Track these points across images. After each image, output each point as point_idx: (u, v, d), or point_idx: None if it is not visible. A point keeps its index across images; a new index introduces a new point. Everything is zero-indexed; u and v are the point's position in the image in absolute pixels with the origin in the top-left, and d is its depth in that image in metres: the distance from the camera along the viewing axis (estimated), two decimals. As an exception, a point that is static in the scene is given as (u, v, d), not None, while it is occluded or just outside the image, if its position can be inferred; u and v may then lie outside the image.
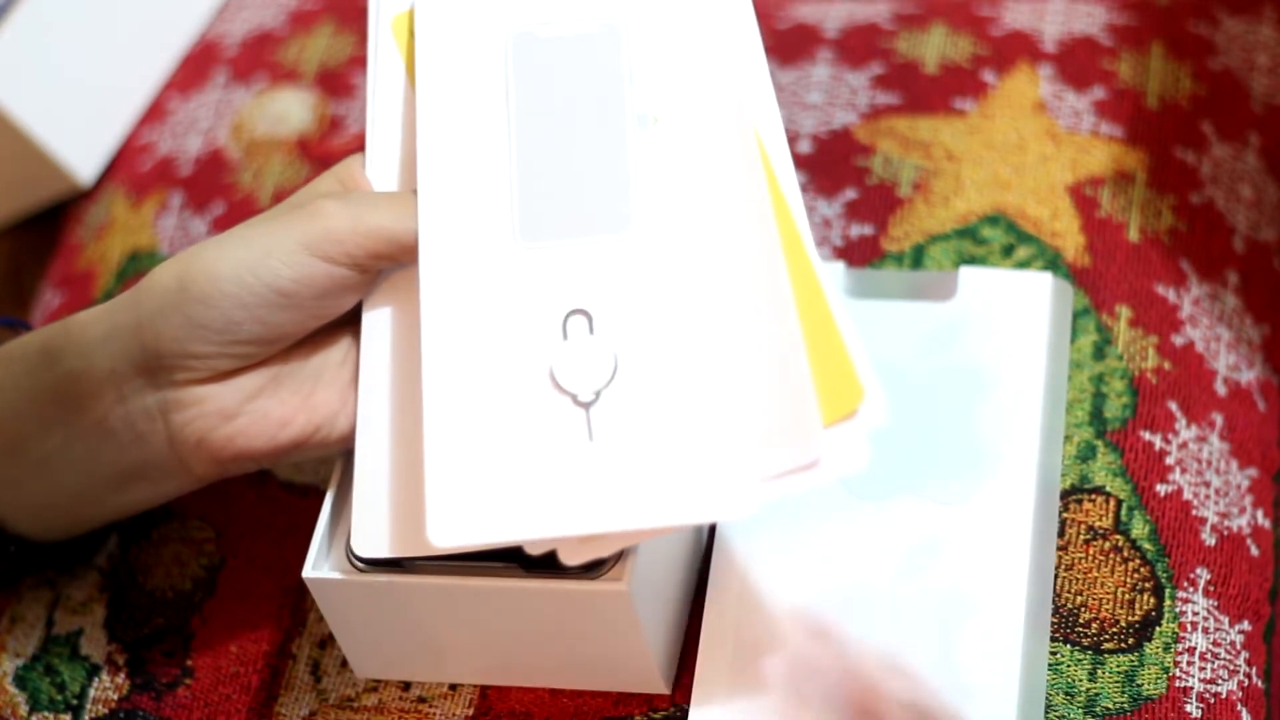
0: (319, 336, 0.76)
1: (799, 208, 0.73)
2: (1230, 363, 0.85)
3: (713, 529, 0.79)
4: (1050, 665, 0.76)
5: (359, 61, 0.99)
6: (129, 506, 0.78)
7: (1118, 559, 0.79)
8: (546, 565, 0.72)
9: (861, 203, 0.89)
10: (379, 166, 0.77)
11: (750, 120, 0.74)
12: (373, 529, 0.73)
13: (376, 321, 0.75)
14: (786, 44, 0.95)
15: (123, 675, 0.82)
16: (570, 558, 0.70)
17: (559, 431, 0.70)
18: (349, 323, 0.76)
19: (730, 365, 0.70)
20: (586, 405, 0.71)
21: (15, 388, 0.76)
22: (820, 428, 0.69)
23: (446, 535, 0.70)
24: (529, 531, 0.70)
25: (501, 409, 0.71)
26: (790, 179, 0.73)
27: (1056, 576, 0.78)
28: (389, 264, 0.74)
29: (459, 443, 0.71)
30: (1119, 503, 0.80)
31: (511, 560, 0.73)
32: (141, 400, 0.74)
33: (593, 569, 0.72)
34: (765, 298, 0.71)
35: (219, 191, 0.96)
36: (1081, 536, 0.79)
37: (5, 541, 0.79)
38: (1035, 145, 0.90)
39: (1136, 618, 0.78)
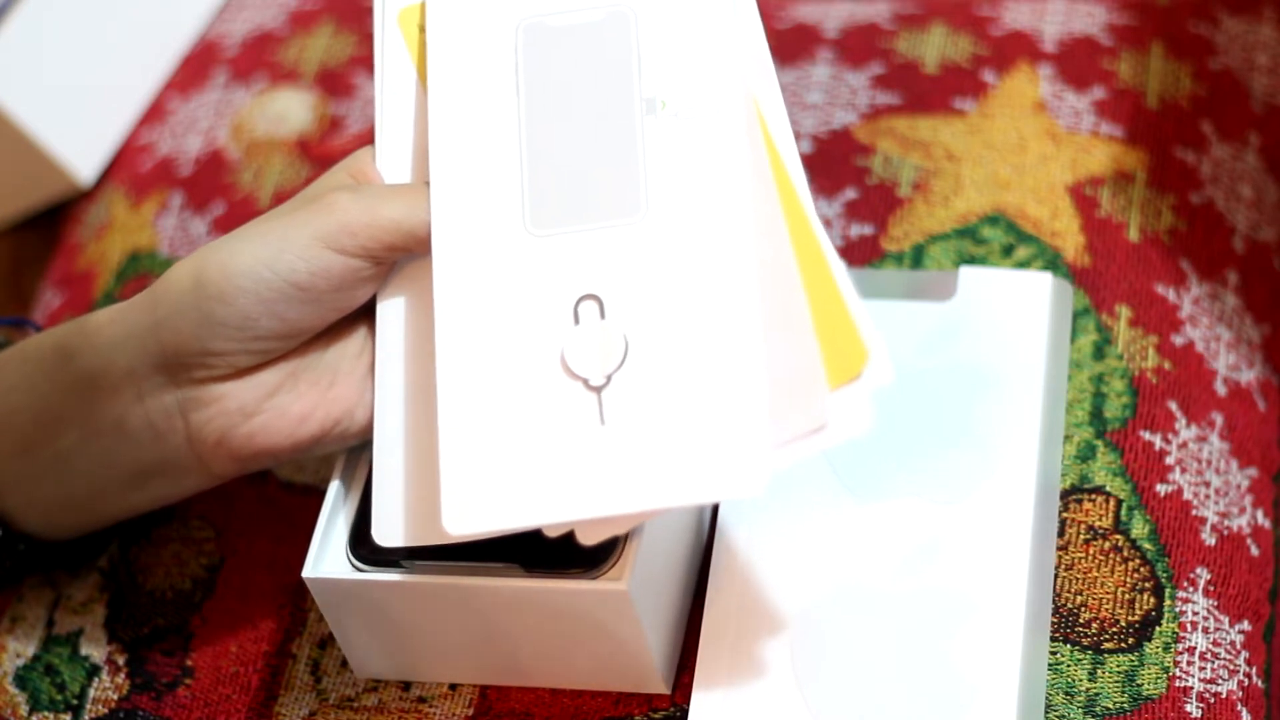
0: (335, 329, 0.76)
1: (800, 177, 0.73)
2: (1230, 362, 0.85)
3: (713, 528, 0.79)
4: (1050, 665, 0.76)
5: (359, 61, 0.99)
6: (143, 504, 0.78)
7: (1118, 559, 0.79)
8: (547, 565, 0.73)
9: (861, 203, 0.89)
10: (389, 159, 0.77)
11: (752, 95, 0.74)
12: (392, 519, 0.73)
13: (390, 312, 0.76)
14: (786, 44, 0.95)
15: (123, 675, 0.82)
16: (587, 538, 0.71)
17: (571, 417, 0.71)
18: (363, 314, 0.76)
19: (739, 342, 0.71)
20: (598, 389, 0.71)
21: (31, 388, 0.76)
22: (826, 391, 0.70)
23: (462, 524, 0.70)
24: (544, 517, 0.70)
25: (514, 397, 0.71)
26: (791, 148, 0.74)
27: (1056, 576, 0.78)
28: (403, 255, 0.75)
29: (473, 433, 0.71)
30: (1119, 503, 0.80)
31: (511, 560, 0.73)
32: (160, 399, 0.74)
33: (593, 568, 0.73)
34: (770, 269, 0.71)
35: (219, 191, 0.96)
36: (1081, 536, 0.79)
37: (14, 539, 0.79)
38: (1035, 145, 0.90)
39: (1136, 618, 0.78)
